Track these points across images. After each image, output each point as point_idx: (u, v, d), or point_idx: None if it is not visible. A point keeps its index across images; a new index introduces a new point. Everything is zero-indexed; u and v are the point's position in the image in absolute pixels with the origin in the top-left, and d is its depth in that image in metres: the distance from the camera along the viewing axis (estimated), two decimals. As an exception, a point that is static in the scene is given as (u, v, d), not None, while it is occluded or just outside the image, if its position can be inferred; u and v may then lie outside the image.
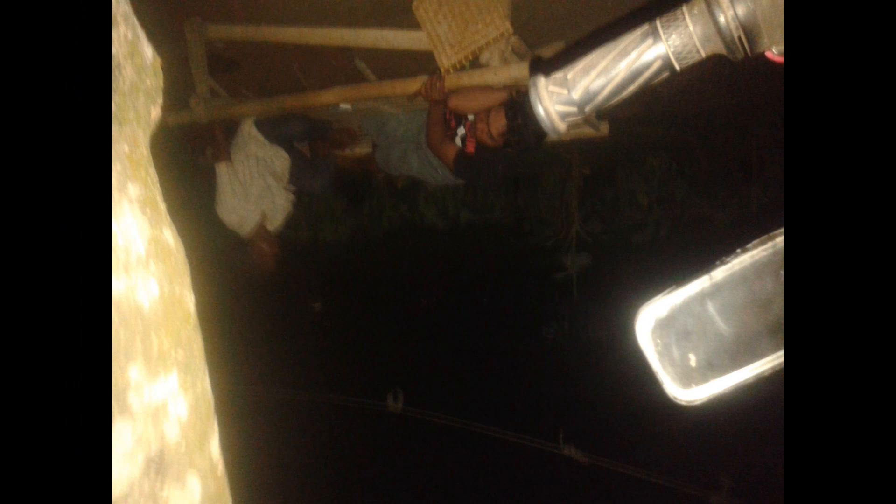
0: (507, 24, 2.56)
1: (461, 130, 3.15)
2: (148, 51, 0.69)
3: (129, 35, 0.65)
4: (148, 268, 0.59)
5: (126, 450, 0.53)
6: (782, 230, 0.58)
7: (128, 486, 0.53)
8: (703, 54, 0.64)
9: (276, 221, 3.60)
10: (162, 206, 0.66)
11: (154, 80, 0.69)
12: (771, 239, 0.59)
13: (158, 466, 0.56)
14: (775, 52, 0.62)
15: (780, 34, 0.60)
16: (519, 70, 2.62)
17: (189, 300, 0.66)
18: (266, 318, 6.57)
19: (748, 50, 0.62)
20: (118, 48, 0.63)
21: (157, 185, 0.66)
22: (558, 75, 0.68)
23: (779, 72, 0.61)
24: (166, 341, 0.60)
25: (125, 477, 0.53)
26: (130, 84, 0.65)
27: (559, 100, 0.68)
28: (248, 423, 4.05)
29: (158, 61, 0.70)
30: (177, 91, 3.17)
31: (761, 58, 0.64)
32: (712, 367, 0.62)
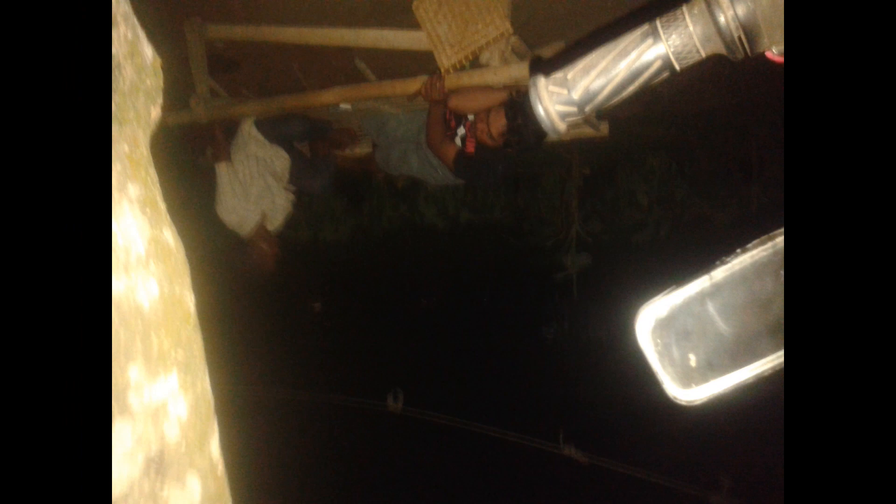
0: (507, 24, 2.55)
1: (461, 130, 3.14)
2: (148, 51, 0.69)
3: (129, 35, 0.65)
4: (148, 268, 0.59)
5: (126, 450, 0.53)
6: (782, 230, 0.58)
7: (128, 486, 0.53)
8: (703, 54, 0.64)
9: (276, 221, 3.60)
10: (162, 206, 0.66)
11: (154, 80, 0.69)
12: (771, 239, 0.59)
13: (158, 466, 0.56)
14: (775, 52, 0.62)
15: (780, 34, 0.60)
16: (519, 70, 2.62)
17: (189, 300, 0.66)
18: (266, 318, 6.57)
19: (748, 50, 0.62)
20: (118, 48, 0.63)
21: (157, 185, 0.66)
22: (558, 75, 0.68)
23: (779, 72, 0.61)
24: (166, 341, 0.60)
25: (125, 477, 0.53)
26: (130, 84, 0.65)
27: (559, 100, 0.68)
28: (248, 423, 4.05)
29: (158, 61, 0.70)
30: (177, 91, 3.17)
31: (761, 58, 0.64)
32: (712, 367, 0.62)
